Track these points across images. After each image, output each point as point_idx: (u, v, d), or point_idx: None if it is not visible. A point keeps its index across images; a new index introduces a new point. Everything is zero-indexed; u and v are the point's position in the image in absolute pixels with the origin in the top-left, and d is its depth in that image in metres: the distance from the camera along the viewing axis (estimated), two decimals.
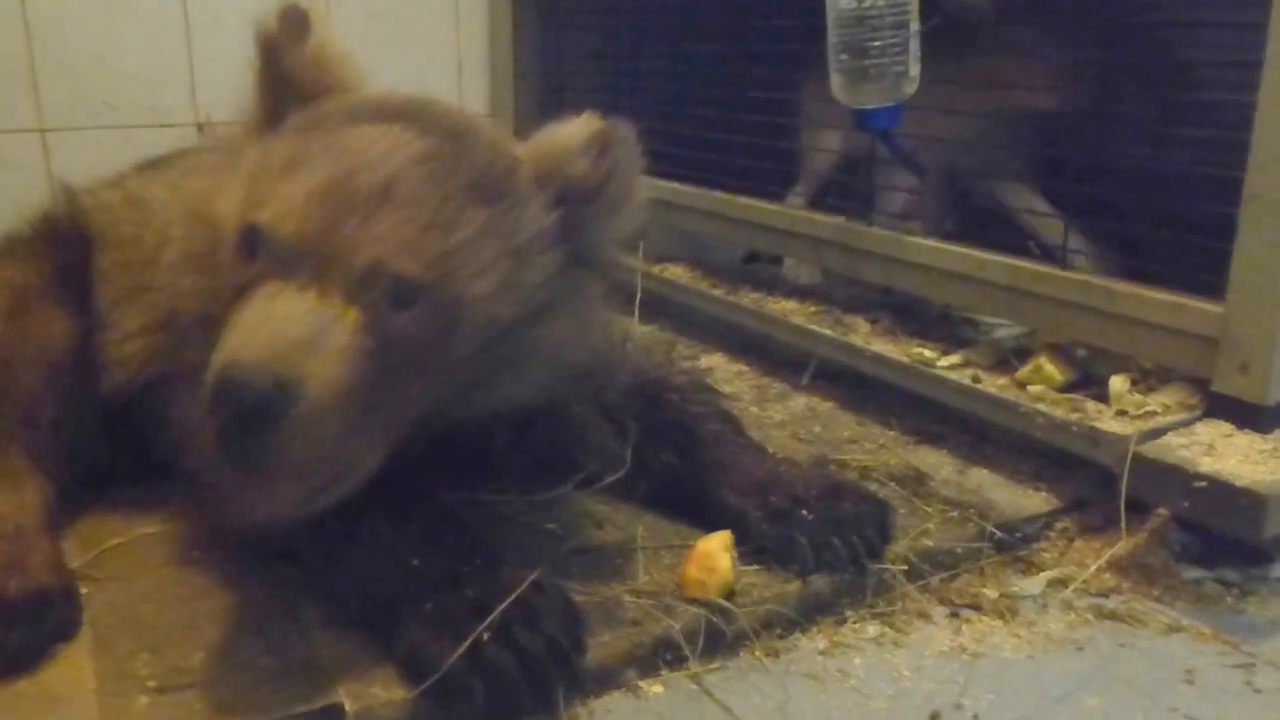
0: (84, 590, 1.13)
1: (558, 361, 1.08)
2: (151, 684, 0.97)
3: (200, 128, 2.22)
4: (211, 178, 1.09)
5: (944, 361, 1.56)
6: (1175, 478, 1.18)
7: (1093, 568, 1.23)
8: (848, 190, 1.79)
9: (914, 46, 1.49)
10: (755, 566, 1.16)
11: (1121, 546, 1.24)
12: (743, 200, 1.96)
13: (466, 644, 0.90)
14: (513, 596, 0.93)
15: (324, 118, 1.02)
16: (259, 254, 0.93)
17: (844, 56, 1.52)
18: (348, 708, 0.93)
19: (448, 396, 1.02)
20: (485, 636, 0.91)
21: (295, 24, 1.07)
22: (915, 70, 1.50)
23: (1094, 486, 1.35)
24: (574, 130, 1.06)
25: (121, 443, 1.32)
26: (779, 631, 1.11)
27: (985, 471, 1.44)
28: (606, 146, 1.05)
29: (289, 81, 1.07)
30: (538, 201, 1.03)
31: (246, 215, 0.95)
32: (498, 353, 1.01)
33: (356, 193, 0.92)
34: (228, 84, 2.36)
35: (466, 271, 0.96)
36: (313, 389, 0.85)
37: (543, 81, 2.45)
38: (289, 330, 0.87)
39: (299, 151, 0.97)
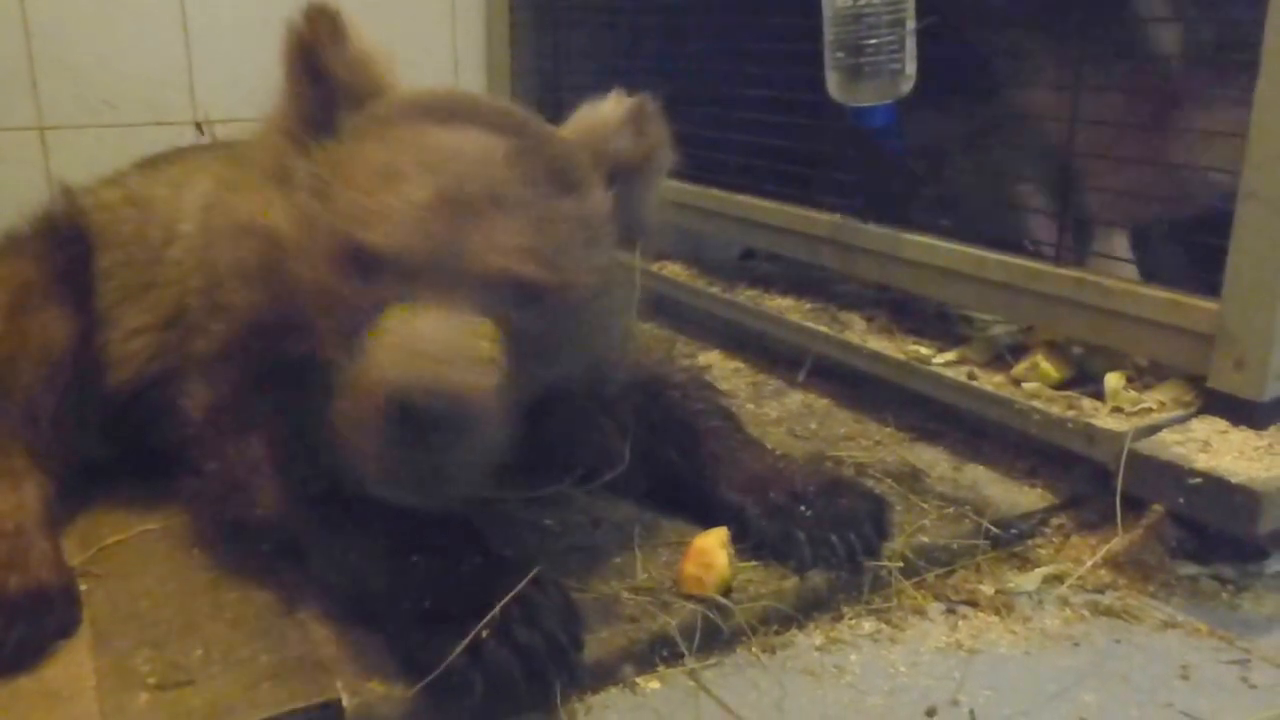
0: (84, 587, 1.14)
1: (609, 339, 1.14)
2: (151, 680, 0.97)
3: (199, 126, 2.22)
4: (247, 188, 1.08)
5: (940, 358, 1.56)
6: (1170, 474, 1.18)
7: (1088, 564, 1.24)
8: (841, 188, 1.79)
9: (910, 45, 1.49)
10: (753, 563, 1.16)
11: (1117, 543, 1.24)
12: (740, 198, 1.96)
13: (466, 641, 0.90)
14: (512, 594, 0.93)
15: (388, 122, 1.01)
16: (373, 273, 0.94)
17: (840, 54, 1.52)
18: (346, 703, 0.94)
19: (551, 380, 1.07)
20: (484, 633, 0.91)
21: (330, 24, 1.05)
22: (911, 68, 1.51)
23: (1090, 483, 1.35)
24: (613, 109, 1.11)
25: (122, 440, 1.33)
26: (776, 628, 1.11)
27: (981, 468, 1.45)
28: (644, 122, 1.11)
29: (332, 84, 1.05)
30: (599, 183, 1.07)
31: (350, 234, 0.94)
32: (580, 334, 1.07)
33: (468, 203, 0.95)
34: (226, 82, 2.37)
35: (571, 263, 1.01)
36: (479, 399, 0.89)
37: (539, 80, 2.45)
38: (445, 347, 0.90)
39: (387, 161, 0.96)
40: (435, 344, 0.90)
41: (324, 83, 1.05)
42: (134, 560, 1.20)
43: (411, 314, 0.91)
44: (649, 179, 1.13)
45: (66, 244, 1.36)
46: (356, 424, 0.90)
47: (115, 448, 1.33)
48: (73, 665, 1.01)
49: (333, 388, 0.95)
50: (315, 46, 1.04)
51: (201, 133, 2.23)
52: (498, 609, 0.92)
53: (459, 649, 0.90)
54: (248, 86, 2.25)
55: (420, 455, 0.89)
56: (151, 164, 1.48)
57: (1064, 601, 1.18)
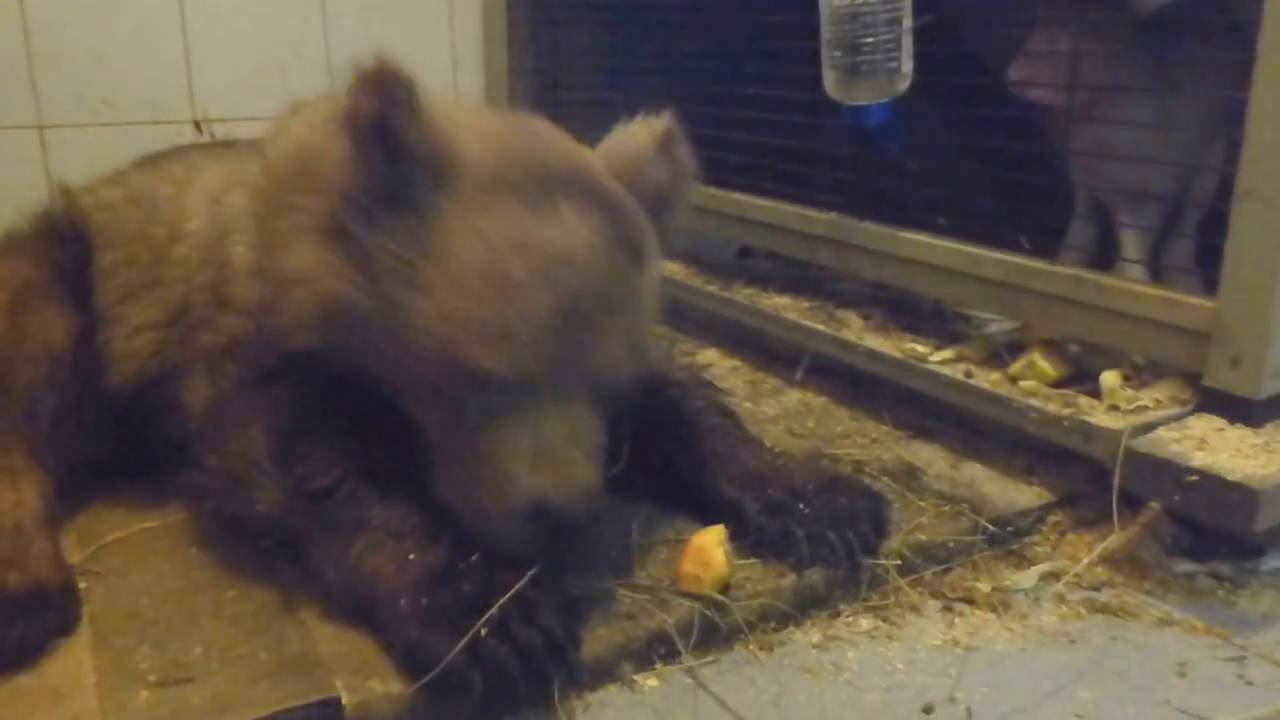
0: (83, 585, 1.14)
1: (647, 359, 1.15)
2: (151, 678, 0.98)
3: (198, 125, 2.22)
4: (282, 231, 1.06)
5: (937, 356, 1.57)
6: (1167, 472, 1.19)
7: (1085, 561, 1.24)
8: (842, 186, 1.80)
9: (907, 43, 1.49)
10: (751, 560, 1.16)
11: (1114, 540, 1.25)
12: (737, 196, 1.96)
13: (465, 640, 0.91)
14: (511, 593, 0.93)
15: (478, 206, 0.98)
16: (491, 388, 0.97)
17: (837, 53, 1.52)
18: (346, 701, 0.94)
19: None
20: (483, 631, 0.91)
21: (404, 92, 0.97)
22: (908, 67, 1.51)
23: (1087, 481, 1.36)
24: (646, 136, 1.12)
25: (121, 438, 1.33)
26: (774, 625, 1.12)
27: (978, 466, 1.45)
28: (674, 147, 1.12)
29: (409, 159, 0.98)
30: (650, 226, 1.09)
31: (468, 356, 0.96)
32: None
33: (584, 318, 0.98)
34: (225, 81, 2.37)
35: (650, 336, 1.09)
36: (599, 494, 1.01)
37: (537, 78, 2.45)
38: (572, 453, 0.99)
39: (489, 262, 0.95)
40: (563, 451, 0.98)
41: (398, 156, 0.98)
42: (134, 558, 1.20)
43: (535, 419, 0.98)
44: (679, 206, 1.16)
45: (66, 243, 1.36)
46: (486, 513, 0.99)
47: (115, 446, 1.34)
48: (73, 663, 1.01)
49: (415, 437, 1.04)
50: (390, 119, 0.96)
51: (200, 131, 2.23)
52: (496, 608, 0.92)
53: (458, 648, 0.91)
54: (247, 85, 2.28)
55: (554, 542, 0.99)
56: (152, 162, 1.48)
57: (1061, 599, 1.19)
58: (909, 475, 1.41)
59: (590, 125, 1.19)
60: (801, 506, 1.18)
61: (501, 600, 0.93)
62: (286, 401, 1.11)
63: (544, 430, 0.98)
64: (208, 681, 0.97)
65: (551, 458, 0.97)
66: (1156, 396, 1.34)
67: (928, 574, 1.21)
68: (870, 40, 1.47)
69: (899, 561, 1.20)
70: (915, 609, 1.16)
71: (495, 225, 0.97)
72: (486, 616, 0.92)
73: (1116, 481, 1.23)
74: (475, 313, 0.95)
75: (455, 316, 0.96)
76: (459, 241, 0.97)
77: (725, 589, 1.10)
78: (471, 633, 0.91)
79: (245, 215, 1.20)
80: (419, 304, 0.97)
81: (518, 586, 0.94)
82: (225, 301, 1.18)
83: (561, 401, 0.99)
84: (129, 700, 0.95)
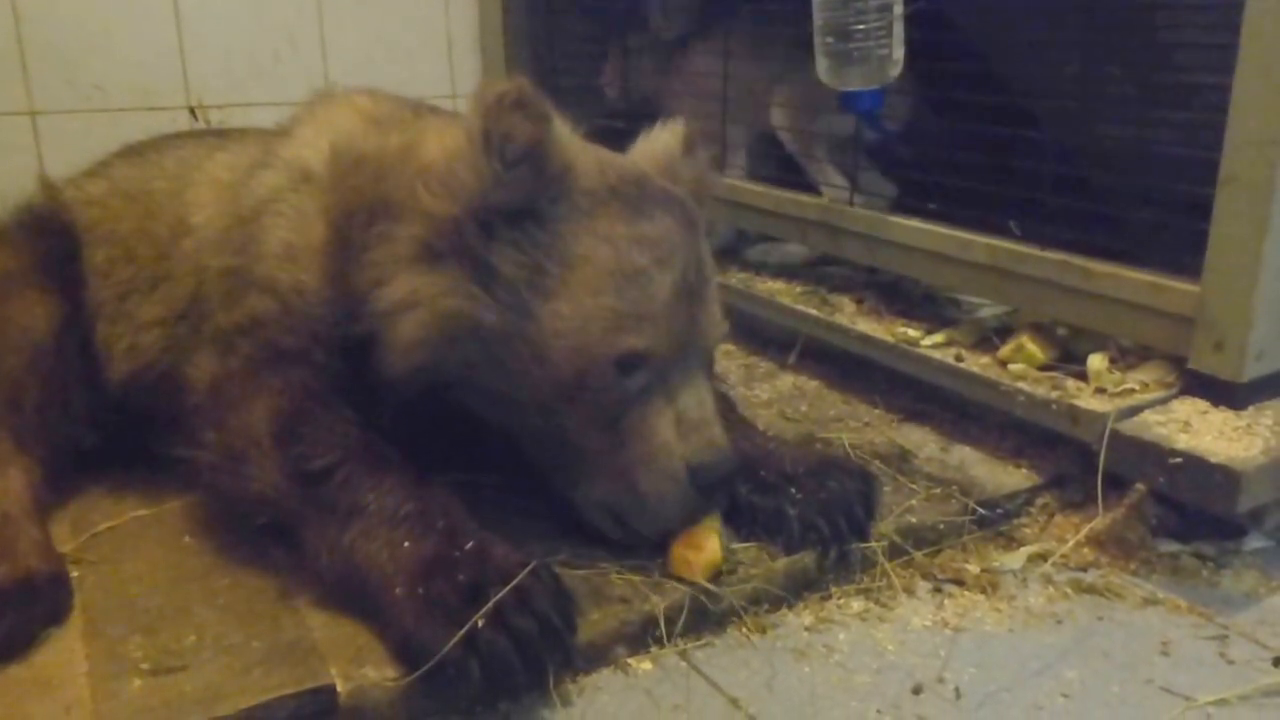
0: (75, 574, 1.14)
1: None
2: (144, 666, 0.98)
3: (193, 111, 2.20)
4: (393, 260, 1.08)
5: (928, 340, 1.58)
6: (1152, 454, 1.20)
7: (1071, 542, 1.26)
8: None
9: (898, 29, 1.49)
10: (745, 544, 1.17)
11: (1100, 521, 1.26)
12: (729, 181, 1.96)
13: (462, 632, 0.91)
14: (510, 587, 0.93)
15: (596, 214, 1.07)
16: (635, 369, 1.07)
17: (829, 39, 1.52)
18: (340, 689, 0.94)
19: None
20: (479, 622, 0.92)
21: (548, 115, 1.05)
22: (899, 53, 1.51)
23: (1074, 463, 1.37)
24: (672, 139, 1.22)
25: (113, 428, 1.32)
26: (766, 607, 1.12)
27: (968, 449, 1.46)
28: (694, 148, 1.22)
29: (550, 177, 1.05)
30: None
31: (619, 342, 1.05)
32: None
33: (695, 294, 1.11)
34: (219, 67, 2.35)
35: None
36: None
37: (533, 63, 2.44)
38: (713, 419, 1.12)
39: (618, 258, 1.06)
40: (700, 416, 1.10)
41: (540, 175, 1.04)
42: (125, 546, 1.20)
43: (672, 392, 1.10)
44: (709, 198, 1.25)
45: (49, 234, 1.35)
46: (652, 488, 1.09)
47: (105, 435, 1.33)
48: (64, 652, 1.01)
49: (574, 453, 1.11)
50: (542, 143, 1.04)
51: (196, 118, 2.22)
52: (492, 603, 0.92)
53: (455, 640, 0.91)
54: (240, 71, 2.25)
55: (701, 498, 1.10)
56: (137, 154, 1.46)
57: (1048, 580, 1.20)
58: (900, 458, 1.42)
59: (587, 113, 1.22)
60: (793, 489, 1.19)
61: (499, 595, 0.93)
62: (294, 383, 1.11)
63: (681, 401, 1.09)
64: (200, 670, 0.97)
65: (693, 424, 1.09)
66: (1142, 379, 1.36)
67: (918, 556, 1.22)
68: (862, 27, 1.47)
69: (889, 544, 1.21)
70: (905, 591, 1.17)
71: (613, 226, 1.07)
72: (484, 610, 0.92)
73: (1102, 464, 1.24)
74: (613, 303, 1.05)
75: (595, 310, 1.05)
76: (584, 245, 1.06)
77: (717, 575, 1.11)
78: (468, 626, 0.91)
79: (282, 200, 1.21)
80: (554, 308, 1.04)
81: (517, 580, 0.94)
82: (250, 281, 1.18)
83: (687, 373, 1.11)
84: (121, 689, 0.95)
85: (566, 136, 1.10)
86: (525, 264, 1.05)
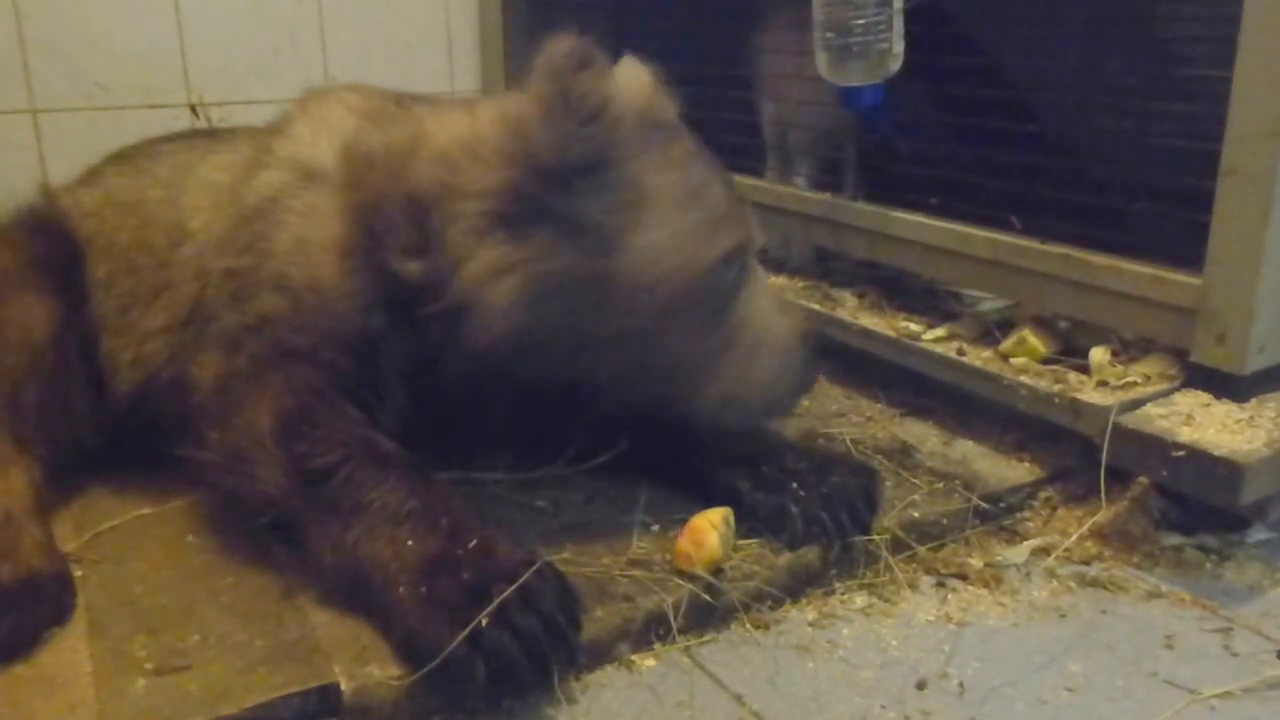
0: (78, 573, 1.14)
1: None
2: (149, 666, 0.98)
3: (193, 109, 2.20)
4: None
5: (930, 335, 1.57)
6: (1155, 447, 1.20)
7: (1075, 536, 1.26)
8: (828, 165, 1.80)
9: (898, 24, 1.49)
10: (747, 540, 1.17)
11: (1103, 515, 1.26)
12: (734, 177, 1.95)
13: (466, 632, 0.91)
14: (514, 587, 0.93)
15: (647, 140, 1.13)
16: (732, 261, 1.17)
17: (829, 34, 1.52)
18: (344, 687, 0.94)
19: None
20: (483, 621, 0.91)
21: (607, 68, 1.07)
22: (899, 48, 1.50)
23: (1076, 456, 1.37)
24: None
25: (116, 429, 1.32)
26: (770, 604, 1.12)
27: (970, 443, 1.46)
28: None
29: (619, 125, 1.08)
30: None
31: (705, 249, 1.13)
32: None
33: (736, 192, 1.23)
34: (220, 64, 2.34)
35: None
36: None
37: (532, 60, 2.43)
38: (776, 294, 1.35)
39: (684, 180, 1.14)
40: (786, 298, 1.33)
41: (613, 125, 1.07)
42: (128, 545, 1.20)
43: (757, 278, 1.22)
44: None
45: (47, 235, 1.35)
46: (773, 363, 1.20)
47: (108, 436, 1.33)
48: (68, 652, 1.01)
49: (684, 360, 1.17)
50: (611, 97, 1.06)
51: (197, 115, 2.21)
52: (496, 603, 0.92)
53: (459, 639, 0.91)
54: (240, 68, 2.25)
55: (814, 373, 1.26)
56: (129, 161, 1.45)
57: (1051, 573, 1.20)
58: (902, 453, 1.42)
59: None
60: (795, 485, 1.19)
61: (503, 594, 0.93)
62: (298, 382, 1.11)
63: (761, 284, 1.22)
64: (205, 669, 0.97)
65: (782, 302, 1.27)
66: (1144, 372, 1.36)
67: (921, 551, 1.22)
68: (861, 21, 1.47)
69: (892, 538, 1.21)
70: (909, 585, 1.17)
71: (665, 154, 1.14)
72: (488, 609, 0.92)
73: (1105, 457, 1.24)
74: (700, 214, 1.13)
75: (688, 225, 1.12)
76: (652, 176, 1.12)
77: (719, 570, 1.11)
78: (472, 625, 0.91)
79: (290, 197, 1.21)
80: (647, 237, 1.10)
81: (521, 580, 0.94)
82: (259, 280, 1.18)
83: (753, 261, 1.21)
84: (126, 689, 0.95)
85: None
86: (607, 207, 1.08)
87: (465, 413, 1.19)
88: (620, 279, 1.09)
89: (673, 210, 1.12)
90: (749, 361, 1.19)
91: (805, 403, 1.61)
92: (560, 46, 1.04)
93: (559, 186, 1.08)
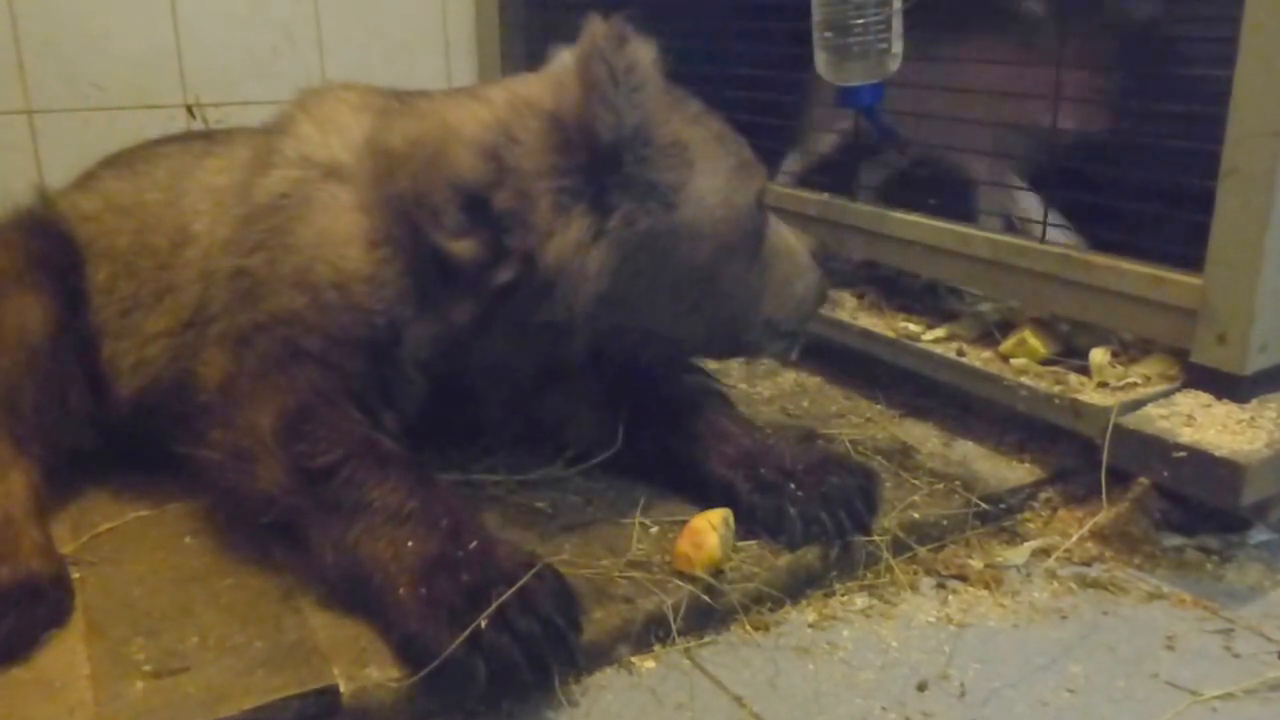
0: (76, 575, 1.13)
1: None
2: (147, 668, 0.97)
3: (190, 110, 2.20)
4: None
5: (929, 335, 1.57)
6: (1155, 448, 1.20)
7: (1075, 537, 1.25)
8: (831, 166, 1.80)
9: (897, 24, 1.49)
10: (746, 542, 1.17)
11: (1103, 516, 1.26)
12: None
13: (466, 634, 0.90)
14: (514, 589, 0.93)
15: (680, 106, 1.23)
16: (764, 202, 1.29)
17: (828, 34, 1.52)
18: (343, 689, 0.94)
19: None
20: (482, 624, 0.91)
21: (636, 36, 1.13)
22: (899, 47, 1.50)
23: (1077, 457, 1.37)
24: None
25: (115, 431, 1.32)
26: (770, 605, 1.12)
27: (970, 444, 1.46)
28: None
29: (643, 99, 1.13)
30: None
31: (741, 194, 1.23)
32: None
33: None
34: (216, 65, 2.34)
35: None
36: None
37: (529, 63, 2.43)
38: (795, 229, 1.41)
39: (714, 138, 1.23)
40: (795, 232, 1.38)
41: (645, 93, 1.12)
42: (127, 547, 1.20)
43: (774, 220, 1.33)
44: None
45: (44, 237, 1.35)
46: (803, 281, 1.33)
47: (106, 437, 1.33)
48: (67, 654, 1.01)
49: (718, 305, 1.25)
50: (647, 63, 1.12)
51: (194, 117, 2.21)
52: (495, 605, 0.92)
53: (459, 641, 0.90)
54: (237, 69, 2.25)
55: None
56: (125, 165, 1.45)
57: (1052, 575, 1.20)
58: (902, 454, 1.42)
59: None
60: (793, 486, 1.19)
61: (503, 596, 0.92)
62: (303, 382, 1.11)
63: (772, 217, 1.32)
64: (203, 671, 0.97)
65: (789, 229, 1.35)
66: (1145, 373, 1.35)
67: (921, 552, 1.22)
68: (860, 21, 1.47)
69: (892, 539, 1.20)
70: (909, 587, 1.17)
71: (686, 109, 1.23)
72: (488, 612, 0.91)
73: (1105, 458, 1.24)
74: (731, 161, 1.23)
75: (726, 173, 1.22)
76: (685, 132, 1.20)
77: (718, 571, 1.11)
78: (471, 627, 0.91)
79: (309, 195, 1.21)
80: (695, 189, 1.18)
81: (521, 582, 0.94)
82: (274, 277, 1.18)
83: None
84: (124, 691, 0.94)
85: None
86: (667, 166, 1.16)
87: (473, 404, 1.19)
88: (685, 228, 1.17)
89: (712, 161, 1.20)
90: (785, 287, 1.30)
91: (805, 403, 1.61)
92: (599, 27, 1.11)
93: (625, 155, 1.13)
